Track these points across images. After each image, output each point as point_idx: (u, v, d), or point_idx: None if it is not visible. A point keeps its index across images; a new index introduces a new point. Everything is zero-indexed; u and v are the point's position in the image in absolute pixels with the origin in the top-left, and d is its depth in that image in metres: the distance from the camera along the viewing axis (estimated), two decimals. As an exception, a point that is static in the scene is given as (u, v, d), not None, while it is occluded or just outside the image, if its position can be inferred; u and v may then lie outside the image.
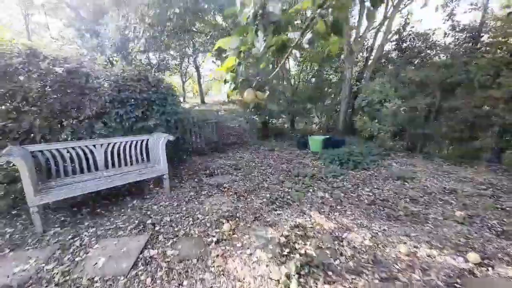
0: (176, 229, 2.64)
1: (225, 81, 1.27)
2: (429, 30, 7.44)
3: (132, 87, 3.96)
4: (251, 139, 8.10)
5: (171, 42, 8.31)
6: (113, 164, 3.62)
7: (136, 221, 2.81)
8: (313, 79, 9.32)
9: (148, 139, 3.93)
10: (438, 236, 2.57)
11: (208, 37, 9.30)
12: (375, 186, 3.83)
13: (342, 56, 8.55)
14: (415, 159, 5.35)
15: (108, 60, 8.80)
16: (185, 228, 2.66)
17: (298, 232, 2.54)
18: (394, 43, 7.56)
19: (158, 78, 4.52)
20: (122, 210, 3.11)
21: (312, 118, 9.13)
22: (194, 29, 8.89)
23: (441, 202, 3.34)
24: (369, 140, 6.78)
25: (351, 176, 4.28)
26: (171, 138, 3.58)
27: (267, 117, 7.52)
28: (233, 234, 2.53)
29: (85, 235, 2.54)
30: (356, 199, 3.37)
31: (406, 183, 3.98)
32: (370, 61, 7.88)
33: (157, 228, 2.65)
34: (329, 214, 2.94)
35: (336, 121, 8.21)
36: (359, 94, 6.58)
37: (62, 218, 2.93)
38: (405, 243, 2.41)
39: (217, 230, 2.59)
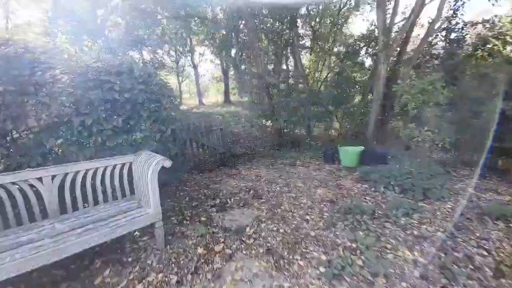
0: None
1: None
2: (495, 16, 6.25)
3: (108, 83, 2.63)
4: (264, 149, 6.78)
5: (167, 30, 6.91)
6: (74, 206, 2.28)
7: (101, 335, 1.48)
8: (335, 77, 7.99)
9: (131, 162, 2.59)
10: None
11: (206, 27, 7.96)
12: (477, 234, 2.53)
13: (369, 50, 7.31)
14: (490, 181, 4.08)
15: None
16: None
17: None
18: (441, 32, 6.37)
19: (149, 71, 3.19)
20: (82, 297, 1.77)
21: (332, 123, 7.82)
22: (195, 19, 7.56)
23: None
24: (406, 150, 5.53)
25: (429, 213, 2.97)
26: (167, 164, 2.25)
27: (284, 122, 6.21)
28: None
29: None
30: (470, 265, 2.07)
31: (515, 226, 2.71)
32: (405, 56, 6.65)
33: None
34: (454, 312, 1.64)
35: (363, 127, 6.95)
36: (401, 96, 5.34)
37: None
38: None
39: None
